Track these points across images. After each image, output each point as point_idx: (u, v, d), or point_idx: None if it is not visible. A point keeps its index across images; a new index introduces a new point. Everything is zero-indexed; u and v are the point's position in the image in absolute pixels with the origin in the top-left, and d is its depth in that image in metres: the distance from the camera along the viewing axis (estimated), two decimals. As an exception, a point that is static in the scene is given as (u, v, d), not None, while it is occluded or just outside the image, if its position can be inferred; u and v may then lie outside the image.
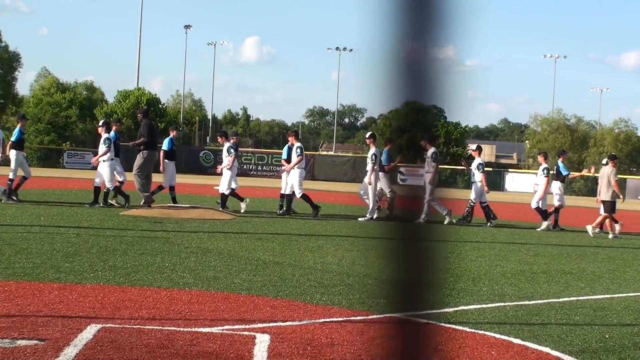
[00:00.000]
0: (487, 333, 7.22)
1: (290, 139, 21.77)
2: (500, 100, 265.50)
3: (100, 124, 21.28)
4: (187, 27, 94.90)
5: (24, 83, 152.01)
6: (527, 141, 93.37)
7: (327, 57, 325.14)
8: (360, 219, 20.88)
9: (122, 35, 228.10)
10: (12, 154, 20.60)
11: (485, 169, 22.65)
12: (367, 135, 22.42)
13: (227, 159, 21.34)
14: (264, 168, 65.63)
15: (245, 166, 56.58)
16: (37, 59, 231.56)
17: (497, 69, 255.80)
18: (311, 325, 7.08)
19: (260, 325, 6.99)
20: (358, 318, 7.61)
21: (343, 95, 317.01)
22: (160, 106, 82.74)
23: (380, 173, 21.45)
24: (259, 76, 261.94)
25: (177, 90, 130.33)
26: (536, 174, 23.74)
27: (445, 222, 20.36)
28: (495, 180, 61.57)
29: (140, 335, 6.35)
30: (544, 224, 21.40)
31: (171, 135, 22.24)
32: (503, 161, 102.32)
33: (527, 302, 9.19)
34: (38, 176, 40.86)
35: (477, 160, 21.99)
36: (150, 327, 6.66)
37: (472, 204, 21.78)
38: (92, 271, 9.59)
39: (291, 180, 21.20)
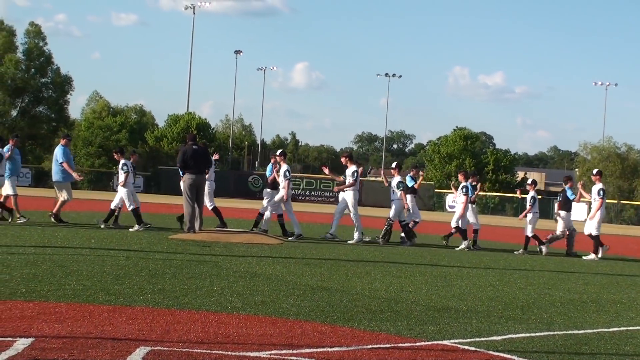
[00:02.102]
0: (536, 362, 7.15)
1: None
2: (550, 128, 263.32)
3: None
4: (237, 52, 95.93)
5: (76, 107, 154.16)
6: (577, 169, 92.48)
7: (376, 83, 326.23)
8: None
9: (172, 60, 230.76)
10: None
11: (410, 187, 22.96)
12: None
13: (122, 176, 21.17)
14: (312, 193, 66.01)
15: (294, 191, 56.92)
16: (89, 82, 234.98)
17: (547, 97, 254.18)
18: (359, 352, 7.07)
19: (307, 350, 7.00)
20: (405, 345, 7.58)
21: (391, 121, 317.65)
22: (210, 131, 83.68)
23: (562, 212, 22.36)
24: (308, 102, 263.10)
25: (226, 114, 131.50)
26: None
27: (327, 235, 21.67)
28: (545, 208, 60.85)
29: (189, 358, 6.39)
30: (464, 244, 21.73)
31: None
32: (553, 189, 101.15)
33: (576, 332, 9.08)
34: (89, 199, 41.46)
35: (397, 178, 22.24)
36: (198, 350, 6.70)
37: (390, 222, 22.04)
38: (142, 294, 9.68)
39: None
